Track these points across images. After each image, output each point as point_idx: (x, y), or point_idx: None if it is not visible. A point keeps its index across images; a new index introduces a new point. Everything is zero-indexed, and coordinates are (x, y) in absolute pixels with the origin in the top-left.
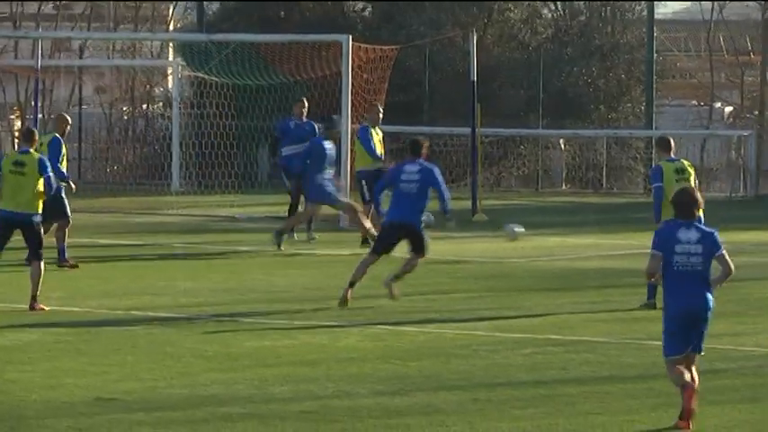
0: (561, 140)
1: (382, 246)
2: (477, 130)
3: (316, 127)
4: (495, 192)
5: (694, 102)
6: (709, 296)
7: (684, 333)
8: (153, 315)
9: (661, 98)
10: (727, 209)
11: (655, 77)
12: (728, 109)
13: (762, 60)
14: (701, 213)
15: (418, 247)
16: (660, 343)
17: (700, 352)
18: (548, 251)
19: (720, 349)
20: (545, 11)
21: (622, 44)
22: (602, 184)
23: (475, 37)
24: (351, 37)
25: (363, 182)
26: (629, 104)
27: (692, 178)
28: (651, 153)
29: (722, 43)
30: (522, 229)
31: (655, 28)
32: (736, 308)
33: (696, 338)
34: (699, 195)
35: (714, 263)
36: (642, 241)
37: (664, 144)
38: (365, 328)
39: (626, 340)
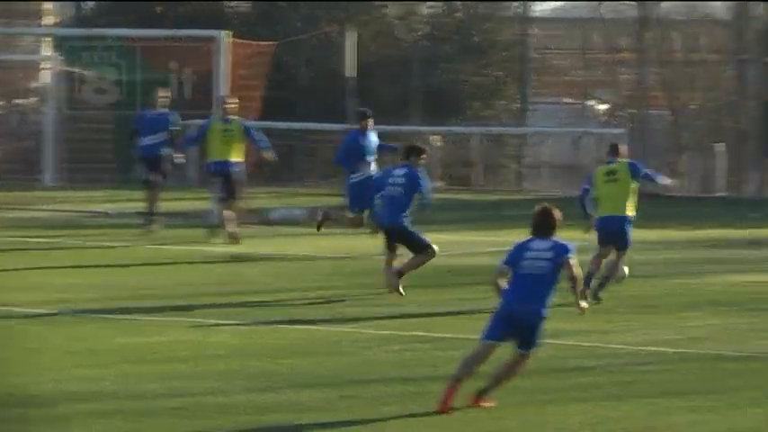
0: (437, 137)
1: (389, 246)
2: (351, 126)
3: (170, 117)
4: None
5: (569, 99)
6: (543, 304)
7: (502, 325)
8: (23, 311)
9: (536, 96)
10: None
11: (530, 75)
12: (603, 107)
13: (637, 58)
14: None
15: (415, 248)
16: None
17: (528, 349)
18: None
19: (588, 346)
20: (422, 8)
21: (498, 42)
22: (476, 182)
23: (351, 34)
24: (227, 33)
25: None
26: (505, 102)
27: (623, 178)
28: (524, 151)
29: (598, 41)
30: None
31: (531, 25)
32: (607, 305)
33: (513, 336)
34: (556, 215)
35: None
36: (515, 238)
37: (610, 148)
38: (236, 325)
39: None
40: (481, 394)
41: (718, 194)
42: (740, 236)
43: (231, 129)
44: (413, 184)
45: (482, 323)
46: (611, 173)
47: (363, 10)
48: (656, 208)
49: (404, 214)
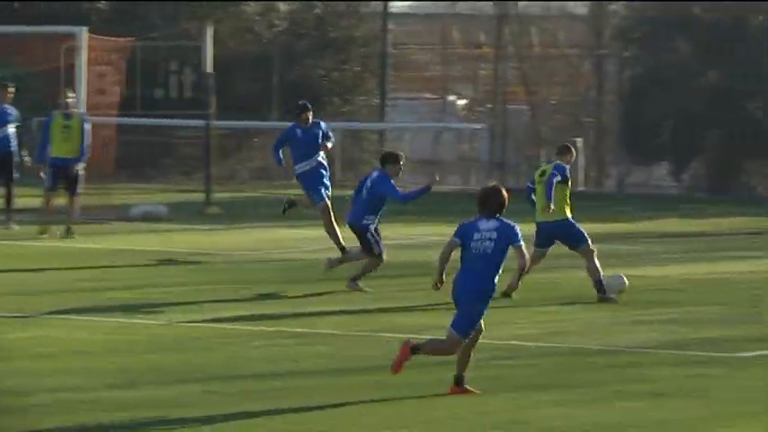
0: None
1: None
2: (210, 122)
3: (9, 113)
4: (228, 184)
5: (429, 95)
6: (489, 283)
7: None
8: None
9: (396, 91)
10: (462, 202)
11: (388, 71)
12: (462, 102)
13: (495, 54)
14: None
15: (363, 248)
16: (387, 335)
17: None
18: (279, 244)
19: None
20: (281, 4)
21: (357, 37)
22: (336, 177)
23: (209, 30)
24: (86, 29)
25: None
26: (364, 97)
27: (546, 177)
28: (383, 146)
29: (457, 36)
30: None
31: (390, 21)
32: None
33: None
34: (503, 194)
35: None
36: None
37: (559, 149)
38: (99, 321)
39: (356, 332)
40: (459, 382)
41: (578, 189)
42: (602, 230)
43: (70, 124)
44: (378, 189)
45: (345, 318)
46: (543, 173)
47: (222, 6)
48: (517, 204)
49: (364, 215)
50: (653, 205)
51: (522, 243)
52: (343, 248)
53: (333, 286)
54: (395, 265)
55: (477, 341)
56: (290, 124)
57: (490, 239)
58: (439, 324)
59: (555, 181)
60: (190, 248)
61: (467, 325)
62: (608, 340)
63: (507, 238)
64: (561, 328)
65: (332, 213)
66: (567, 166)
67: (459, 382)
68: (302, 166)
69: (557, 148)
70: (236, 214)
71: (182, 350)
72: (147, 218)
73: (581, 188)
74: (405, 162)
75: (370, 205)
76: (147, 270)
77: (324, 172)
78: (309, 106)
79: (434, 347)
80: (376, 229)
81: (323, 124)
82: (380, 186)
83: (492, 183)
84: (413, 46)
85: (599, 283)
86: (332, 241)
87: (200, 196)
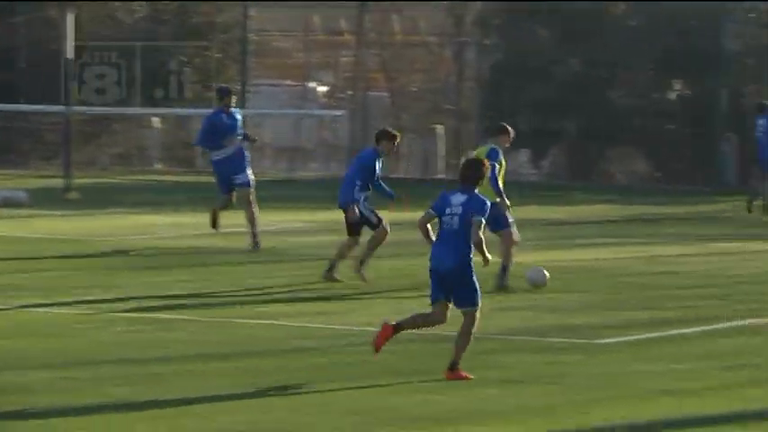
0: (156, 119)
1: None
2: (71, 108)
3: None
4: (89, 170)
5: (290, 81)
6: (461, 256)
7: (435, 284)
8: None
9: (257, 78)
10: (323, 188)
11: (250, 57)
12: (323, 89)
13: (356, 41)
14: None
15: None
16: (247, 321)
17: (463, 306)
18: (141, 230)
19: (311, 328)
20: None
21: (218, 23)
22: (198, 163)
23: (70, 15)
24: None
25: None
26: (225, 84)
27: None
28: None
29: (318, 23)
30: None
31: (251, 8)
32: (324, 287)
33: (449, 292)
34: (479, 167)
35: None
36: (233, 221)
37: (493, 130)
38: None
39: (212, 318)
40: (452, 368)
41: (438, 176)
42: None
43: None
44: (355, 166)
45: (205, 304)
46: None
47: None
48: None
49: (351, 194)
50: (513, 192)
51: (481, 219)
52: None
53: (192, 272)
54: (257, 252)
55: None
56: (210, 111)
57: (457, 214)
58: (300, 311)
59: (495, 173)
60: (50, 234)
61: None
62: None
63: (471, 211)
64: None
65: (231, 202)
66: (500, 150)
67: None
68: (218, 154)
69: (491, 130)
70: (96, 200)
71: (39, 335)
72: (7, 204)
73: (441, 175)
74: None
75: (354, 182)
76: (4, 255)
77: (241, 158)
78: (233, 90)
79: (424, 320)
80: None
81: (239, 112)
82: (364, 160)
83: (473, 156)
84: (274, 32)
85: (504, 270)
86: (252, 229)
87: (60, 182)
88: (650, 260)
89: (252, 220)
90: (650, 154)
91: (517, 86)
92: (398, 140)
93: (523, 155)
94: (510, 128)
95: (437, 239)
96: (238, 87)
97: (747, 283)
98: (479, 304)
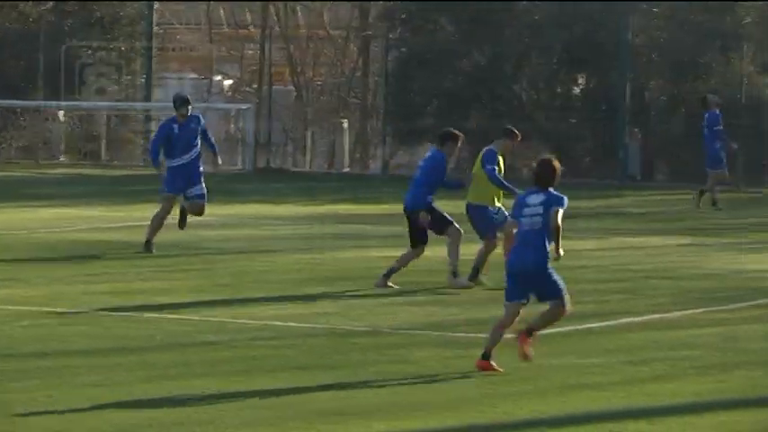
0: (61, 112)
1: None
2: None
3: None
4: None
5: (195, 75)
6: (542, 253)
7: (517, 284)
8: None
9: (162, 71)
10: (228, 182)
11: (154, 50)
12: (228, 82)
13: (261, 34)
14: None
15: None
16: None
17: (550, 299)
18: (46, 223)
19: (215, 321)
20: None
21: (123, 16)
22: (103, 157)
23: None
24: None
25: None
26: (130, 77)
27: (476, 165)
28: (150, 125)
29: (223, 17)
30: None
31: (156, 1)
32: (232, 281)
33: (532, 291)
34: (553, 167)
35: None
36: (143, 213)
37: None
38: None
39: (117, 313)
40: (529, 333)
41: (344, 170)
42: (367, 211)
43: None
44: (427, 166)
45: (108, 298)
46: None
47: None
48: (283, 182)
49: (420, 197)
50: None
51: (560, 208)
52: (148, 242)
53: (101, 266)
54: (162, 246)
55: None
56: (167, 119)
57: (538, 214)
58: (206, 305)
59: (496, 174)
60: None
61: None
62: (373, 321)
63: (552, 206)
64: (326, 309)
65: (169, 211)
66: (497, 151)
67: (530, 332)
68: (173, 162)
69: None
70: (1, 193)
71: None
72: None
73: (346, 169)
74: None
75: (421, 184)
76: None
77: (195, 170)
78: (189, 99)
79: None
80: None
81: (201, 119)
82: (434, 164)
83: (545, 156)
84: (179, 26)
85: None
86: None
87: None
88: None
89: (158, 224)
90: (555, 148)
91: (422, 80)
92: (462, 141)
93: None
94: (515, 131)
95: (516, 242)
96: (143, 80)
97: (654, 278)
98: (565, 291)
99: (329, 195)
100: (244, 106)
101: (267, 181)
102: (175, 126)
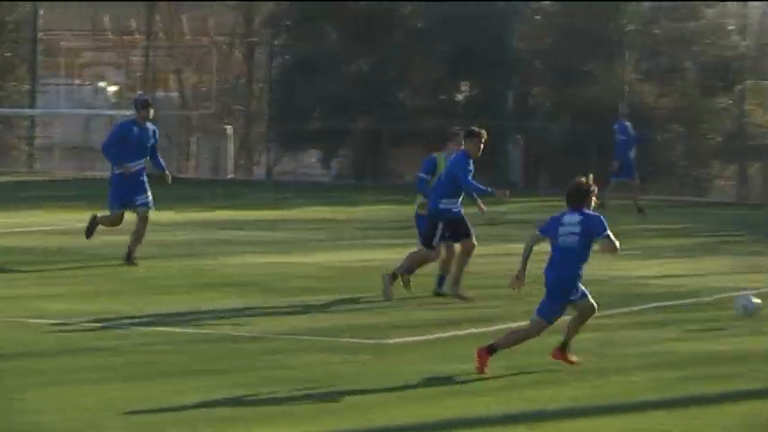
0: None
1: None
2: None
3: None
4: None
5: (80, 81)
6: (576, 268)
7: (551, 299)
8: None
9: (47, 77)
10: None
11: (39, 56)
12: (113, 89)
13: (146, 41)
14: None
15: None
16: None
17: (579, 300)
18: None
19: (100, 327)
20: None
21: (8, 22)
22: None
23: None
24: None
25: None
26: (15, 83)
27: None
28: (34, 131)
29: (107, 23)
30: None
31: (40, 7)
32: (117, 287)
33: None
34: (584, 188)
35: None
36: (33, 220)
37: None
38: None
39: (6, 318)
40: (563, 349)
41: (228, 177)
42: (250, 217)
43: None
44: (450, 170)
45: (29, 303)
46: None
47: None
48: (168, 189)
49: (442, 200)
50: (302, 193)
51: (608, 233)
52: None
53: None
54: (47, 252)
55: (588, 318)
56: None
57: (573, 233)
58: (93, 311)
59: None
60: None
61: (549, 313)
62: (258, 327)
63: (590, 231)
64: (214, 315)
65: (118, 223)
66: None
67: (564, 348)
68: (121, 169)
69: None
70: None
71: None
72: None
73: (230, 176)
74: None
75: (440, 187)
76: None
77: (139, 179)
78: (151, 102)
79: (517, 337)
80: (455, 217)
81: (157, 132)
82: (455, 167)
83: (578, 178)
84: (64, 32)
85: (442, 279)
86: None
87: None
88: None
89: (139, 237)
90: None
91: (306, 87)
92: (485, 138)
93: (313, 155)
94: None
95: (551, 258)
96: (28, 86)
97: (534, 284)
98: (589, 295)
99: (213, 202)
100: (128, 112)
101: (151, 187)
102: (135, 128)
